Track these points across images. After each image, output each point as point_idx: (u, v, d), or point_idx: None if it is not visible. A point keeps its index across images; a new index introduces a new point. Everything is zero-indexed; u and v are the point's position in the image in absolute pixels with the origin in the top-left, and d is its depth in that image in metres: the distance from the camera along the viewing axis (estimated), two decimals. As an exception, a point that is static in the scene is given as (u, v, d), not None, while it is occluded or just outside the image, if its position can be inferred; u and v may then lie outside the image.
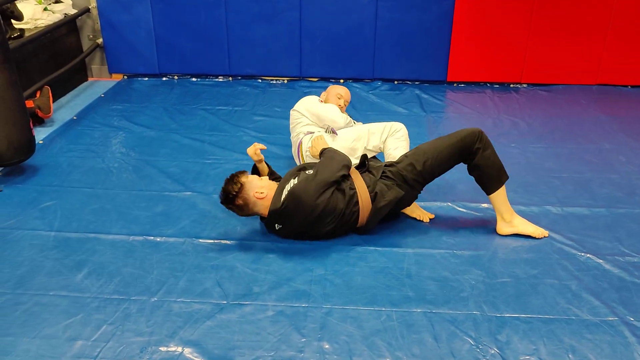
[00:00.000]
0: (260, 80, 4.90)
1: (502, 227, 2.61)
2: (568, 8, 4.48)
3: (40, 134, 3.73)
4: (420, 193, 2.65)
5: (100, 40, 4.86)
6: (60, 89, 4.48)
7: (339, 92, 3.28)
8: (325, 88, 3.48)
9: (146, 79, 4.93)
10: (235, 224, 2.69)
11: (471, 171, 2.60)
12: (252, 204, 2.50)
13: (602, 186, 3.09)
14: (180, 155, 3.48)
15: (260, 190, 2.49)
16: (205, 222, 2.71)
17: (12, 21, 4.07)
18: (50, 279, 2.31)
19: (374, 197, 2.50)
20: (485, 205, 2.84)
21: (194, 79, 4.92)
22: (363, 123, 3.20)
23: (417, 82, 4.84)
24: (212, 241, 2.57)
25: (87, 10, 4.81)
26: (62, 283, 2.28)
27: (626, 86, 4.73)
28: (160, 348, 1.95)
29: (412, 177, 2.53)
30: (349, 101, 3.35)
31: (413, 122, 4.01)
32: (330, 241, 2.55)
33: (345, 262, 2.42)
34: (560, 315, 2.12)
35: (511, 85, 4.78)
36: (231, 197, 2.47)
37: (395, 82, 4.84)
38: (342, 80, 4.84)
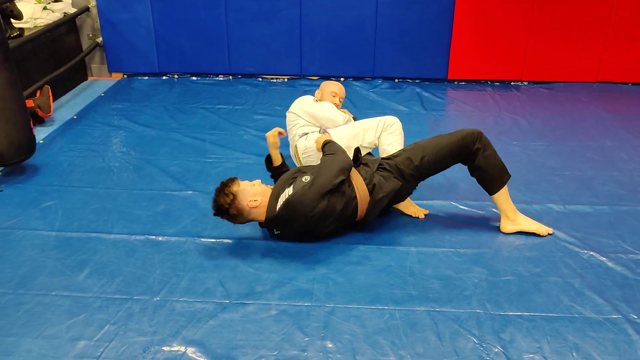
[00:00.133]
0: (260, 79, 4.89)
1: (506, 226, 2.61)
2: (569, 5, 4.47)
3: (40, 134, 3.72)
4: (415, 189, 2.64)
5: (100, 39, 4.85)
6: (60, 88, 4.47)
7: (333, 89, 3.26)
8: (322, 86, 3.47)
9: (146, 77, 4.92)
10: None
11: (472, 172, 2.59)
12: (247, 213, 2.44)
13: (604, 184, 3.08)
14: (181, 154, 3.47)
15: (254, 198, 2.42)
16: (206, 221, 2.70)
17: (12, 20, 4.05)
18: (52, 279, 2.30)
19: (371, 189, 2.48)
20: (487, 203, 2.84)
21: (194, 78, 4.91)
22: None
23: (417, 80, 4.84)
24: (213, 240, 2.56)
25: (87, 9, 4.80)
26: (64, 283, 2.27)
27: (627, 83, 4.72)
28: (163, 348, 1.95)
29: (409, 171, 2.52)
30: (344, 97, 3.33)
31: (414, 120, 4.01)
32: (332, 240, 2.54)
33: (348, 261, 2.41)
34: (564, 313, 2.11)
35: (512, 83, 4.78)
36: (224, 209, 2.41)
37: (396, 80, 4.84)
38: (342, 79, 4.84)
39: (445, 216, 2.77)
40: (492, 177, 2.55)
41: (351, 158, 2.66)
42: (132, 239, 2.57)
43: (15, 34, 4.05)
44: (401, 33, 4.66)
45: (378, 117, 3.02)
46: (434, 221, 2.72)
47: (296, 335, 2.00)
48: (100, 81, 4.94)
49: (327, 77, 4.85)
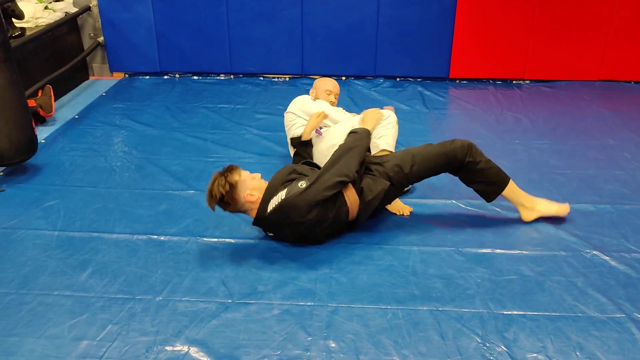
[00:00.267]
0: (261, 78, 4.89)
1: (526, 215, 2.64)
2: (571, 3, 4.46)
3: (42, 133, 3.72)
4: (403, 191, 2.67)
5: (101, 39, 4.85)
6: (61, 88, 4.47)
7: (327, 87, 3.25)
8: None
9: (147, 77, 4.92)
10: (239, 222, 2.68)
11: (469, 185, 2.63)
12: (241, 205, 2.41)
13: (607, 182, 3.07)
14: (183, 153, 3.47)
15: (252, 192, 2.39)
16: (208, 221, 2.70)
17: (13, 20, 4.05)
18: (54, 278, 2.30)
19: (360, 192, 2.47)
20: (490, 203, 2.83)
21: (195, 77, 4.91)
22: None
23: (419, 79, 4.83)
24: (216, 240, 2.56)
25: (88, 8, 4.79)
26: (66, 283, 2.27)
27: (629, 82, 4.71)
28: (166, 347, 1.95)
29: (398, 178, 2.53)
30: (338, 94, 3.32)
31: (416, 119, 4.01)
32: (334, 240, 2.54)
33: (350, 261, 2.41)
34: (567, 312, 2.11)
35: (514, 82, 4.77)
36: (219, 196, 2.36)
37: (398, 79, 4.83)
38: (343, 78, 4.83)
39: (448, 215, 2.76)
40: (492, 185, 2.59)
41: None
42: (134, 238, 2.57)
43: (16, 34, 4.05)
44: (403, 32, 4.65)
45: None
46: (436, 220, 2.72)
47: (299, 334, 2.00)
48: (102, 81, 4.94)
49: (328, 76, 4.83)
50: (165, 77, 4.93)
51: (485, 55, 4.68)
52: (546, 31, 4.56)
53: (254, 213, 2.43)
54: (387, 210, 2.77)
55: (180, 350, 1.93)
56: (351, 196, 2.45)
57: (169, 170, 3.24)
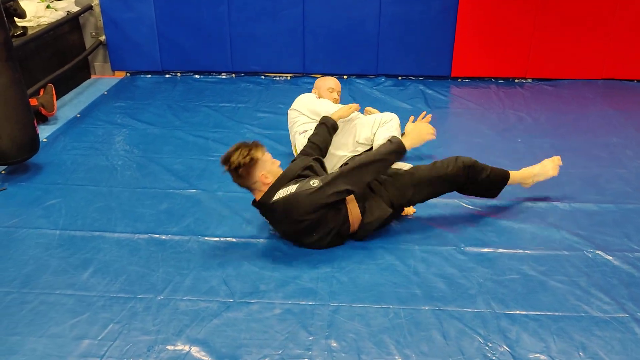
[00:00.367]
0: (263, 77, 4.88)
1: (525, 185, 2.83)
2: (573, 2, 4.45)
3: (43, 132, 3.72)
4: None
5: (102, 38, 4.85)
6: (63, 87, 4.47)
7: (329, 85, 3.26)
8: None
9: (149, 76, 4.91)
10: (241, 222, 2.68)
11: (472, 194, 2.71)
12: (252, 182, 2.39)
13: (610, 181, 3.06)
14: (184, 152, 3.46)
15: (268, 174, 2.38)
16: (210, 220, 2.70)
17: (15, 19, 4.05)
18: (56, 277, 2.30)
19: (362, 210, 2.47)
20: (492, 201, 2.82)
21: (196, 76, 4.90)
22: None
23: (421, 78, 4.82)
24: (217, 239, 2.55)
25: (90, 7, 4.79)
26: (68, 282, 2.27)
27: (632, 80, 4.69)
28: (167, 347, 1.94)
29: (399, 202, 2.55)
30: (340, 91, 3.33)
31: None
32: (336, 238, 2.54)
33: (352, 260, 2.40)
34: (570, 312, 2.10)
35: (516, 80, 4.75)
36: (235, 165, 2.33)
37: (399, 78, 4.82)
38: (345, 76, 4.82)
39: (450, 214, 2.76)
40: (495, 188, 2.70)
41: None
42: (135, 237, 2.56)
43: (18, 33, 4.05)
44: (404, 30, 4.64)
45: (375, 114, 3.01)
46: (438, 219, 2.71)
47: (300, 334, 1.99)
48: (104, 79, 4.94)
49: (330, 75, 4.81)
50: (167, 75, 4.92)
51: (487, 54, 4.66)
52: (548, 29, 4.54)
53: (259, 195, 2.41)
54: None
55: (182, 350, 1.93)
56: (354, 211, 2.45)
57: (170, 169, 3.24)
